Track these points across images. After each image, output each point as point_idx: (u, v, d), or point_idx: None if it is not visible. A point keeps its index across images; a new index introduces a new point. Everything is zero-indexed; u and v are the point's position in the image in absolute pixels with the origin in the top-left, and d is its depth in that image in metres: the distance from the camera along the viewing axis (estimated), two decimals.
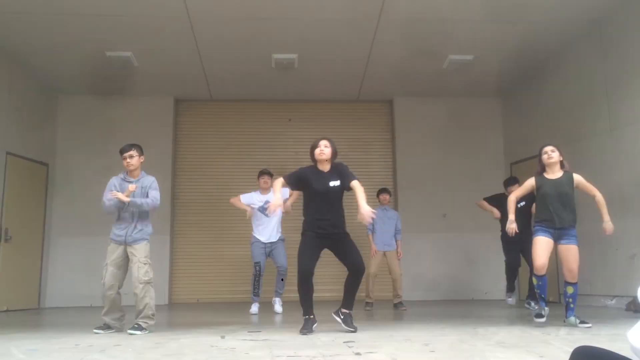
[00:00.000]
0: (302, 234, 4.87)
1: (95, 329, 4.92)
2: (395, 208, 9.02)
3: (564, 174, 5.20)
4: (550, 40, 7.81)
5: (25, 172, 8.52)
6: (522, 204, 7.13)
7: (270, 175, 7.31)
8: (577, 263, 4.99)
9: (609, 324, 5.13)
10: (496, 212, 7.30)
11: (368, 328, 5.06)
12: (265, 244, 7.19)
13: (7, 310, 7.78)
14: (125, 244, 4.98)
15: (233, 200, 7.47)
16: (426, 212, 9.41)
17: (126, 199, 4.91)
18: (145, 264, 4.92)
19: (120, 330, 4.98)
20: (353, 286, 4.84)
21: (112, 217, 5.11)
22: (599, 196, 5.17)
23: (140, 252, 4.95)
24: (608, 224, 5.14)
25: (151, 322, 4.90)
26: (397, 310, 7.27)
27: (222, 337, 4.50)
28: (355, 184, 4.83)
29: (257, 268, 7.11)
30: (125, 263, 5.01)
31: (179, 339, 4.43)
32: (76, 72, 8.73)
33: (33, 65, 8.43)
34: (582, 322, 4.92)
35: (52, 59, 8.26)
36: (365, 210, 4.59)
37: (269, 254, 7.19)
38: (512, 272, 7.44)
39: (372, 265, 7.43)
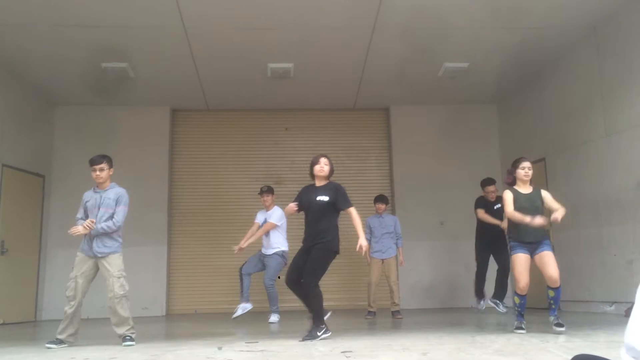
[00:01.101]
0: None
1: (48, 343, 4.78)
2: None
3: (534, 190, 5.35)
4: (546, 47, 7.84)
5: (22, 184, 8.49)
6: (498, 206, 7.30)
7: (270, 192, 7.69)
8: (556, 269, 5.04)
9: (607, 330, 5.11)
10: (503, 223, 7.23)
11: (365, 337, 5.04)
12: (261, 254, 7.63)
13: (3, 324, 7.73)
14: (95, 257, 4.89)
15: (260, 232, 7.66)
16: (423, 220, 9.40)
17: (85, 231, 4.85)
18: (119, 277, 4.84)
19: (72, 344, 4.83)
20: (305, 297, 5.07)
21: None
22: (562, 209, 5.17)
23: (113, 266, 4.85)
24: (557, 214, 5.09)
25: (134, 332, 4.88)
26: (394, 318, 7.24)
27: (219, 348, 4.47)
28: (351, 211, 5.15)
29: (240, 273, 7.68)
30: (93, 275, 4.95)
31: (176, 350, 4.40)
32: (72, 83, 8.74)
33: (29, 77, 8.43)
34: (557, 324, 4.97)
35: (48, 71, 8.26)
36: (364, 243, 5.08)
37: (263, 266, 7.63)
38: (482, 279, 7.78)
39: (372, 274, 7.44)
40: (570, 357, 2.40)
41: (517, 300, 5.21)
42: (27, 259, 8.62)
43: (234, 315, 7.40)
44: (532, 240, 5.13)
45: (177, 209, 9.81)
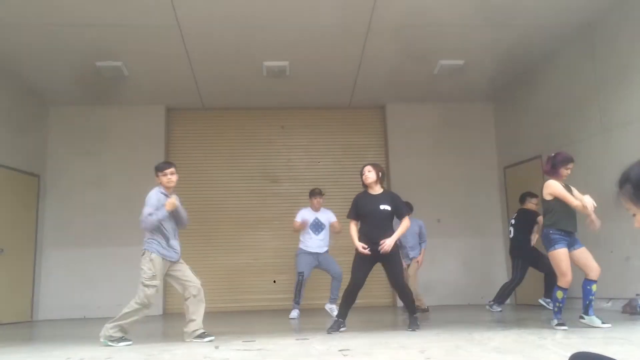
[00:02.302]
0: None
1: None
2: None
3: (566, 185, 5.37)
4: (541, 44, 7.85)
5: (16, 184, 8.45)
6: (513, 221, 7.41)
7: (321, 195, 7.76)
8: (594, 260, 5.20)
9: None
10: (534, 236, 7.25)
11: (363, 335, 5.03)
12: (312, 254, 7.55)
13: None
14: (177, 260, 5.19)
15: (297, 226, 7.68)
16: (420, 218, 9.34)
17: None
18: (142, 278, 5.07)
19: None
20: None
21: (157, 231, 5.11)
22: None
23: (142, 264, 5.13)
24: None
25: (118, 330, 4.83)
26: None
27: (216, 347, 4.45)
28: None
29: (300, 277, 7.48)
30: None
31: (172, 350, 4.38)
32: (67, 82, 8.69)
33: (23, 76, 8.38)
34: (603, 322, 5.03)
35: (42, 69, 8.21)
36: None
37: (317, 265, 7.59)
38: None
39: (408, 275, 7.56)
40: (567, 353, 2.39)
41: (560, 295, 5.13)
42: (23, 258, 8.58)
43: (291, 317, 7.36)
44: (573, 230, 5.23)
45: None
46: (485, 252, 9.52)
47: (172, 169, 5.09)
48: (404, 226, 5.52)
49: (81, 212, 9.05)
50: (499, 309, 7.43)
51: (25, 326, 7.83)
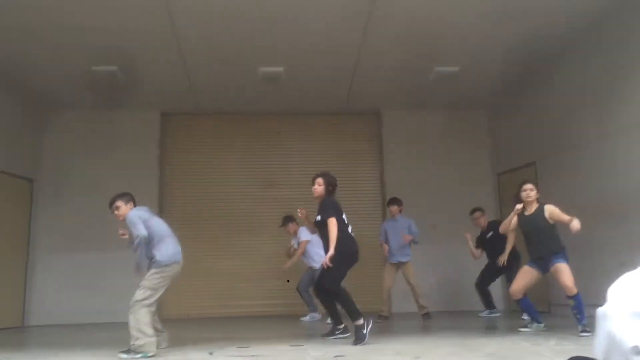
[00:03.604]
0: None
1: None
2: (384, 219, 8.98)
3: (537, 208, 5.57)
4: (536, 51, 7.88)
5: (10, 188, 8.39)
6: (491, 234, 7.54)
7: (292, 221, 8.24)
8: (569, 278, 5.29)
9: None
10: (502, 257, 6.73)
11: None
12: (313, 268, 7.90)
13: None
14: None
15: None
16: (415, 223, 9.39)
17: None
18: (141, 285, 4.81)
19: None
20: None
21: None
22: (575, 219, 5.35)
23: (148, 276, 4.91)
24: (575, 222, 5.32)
25: (139, 342, 4.50)
26: (424, 321, 7.20)
27: (211, 353, 4.43)
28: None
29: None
30: None
31: (167, 355, 4.36)
32: (62, 87, 8.66)
33: (18, 80, 8.34)
34: (584, 330, 5.12)
35: (37, 74, 8.18)
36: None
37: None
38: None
39: (385, 278, 7.49)
40: (562, 359, 2.40)
41: (572, 302, 5.34)
42: (15, 263, 8.52)
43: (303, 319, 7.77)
44: (540, 256, 5.47)
45: (167, 213, 9.72)
46: (480, 258, 9.53)
47: (112, 206, 5.04)
48: (332, 232, 5.22)
49: (75, 217, 9.00)
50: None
51: (16, 332, 7.77)
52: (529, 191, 5.55)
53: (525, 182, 5.69)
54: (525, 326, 5.80)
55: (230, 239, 9.57)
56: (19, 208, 8.71)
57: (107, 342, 4.89)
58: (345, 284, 5.51)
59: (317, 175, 5.53)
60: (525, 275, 5.59)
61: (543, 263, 5.46)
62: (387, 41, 7.48)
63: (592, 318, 5.65)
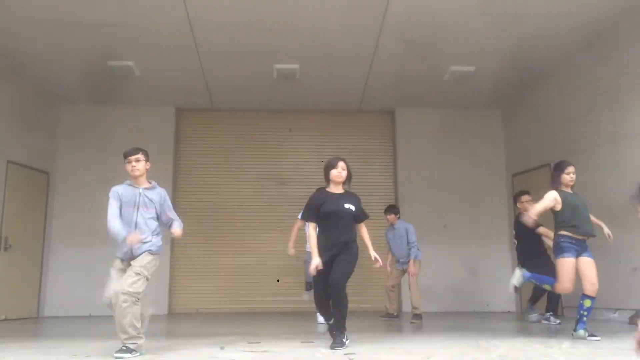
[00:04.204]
0: None
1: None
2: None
3: (576, 194, 5.30)
4: (551, 51, 7.83)
5: (26, 180, 8.51)
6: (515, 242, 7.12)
7: None
8: (596, 276, 5.02)
9: (611, 337, 5.09)
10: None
11: (369, 340, 5.02)
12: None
13: (5, 319, 7.74)
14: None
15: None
16: (427, 223, 9.36)
17: (137, 242, 4.18)
18: (137, 273, 4.17)
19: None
20: (334, 307, 4.65)
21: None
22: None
23: (141, 260, 4.24)
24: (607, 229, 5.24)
25: (140, 342, 4.14)
26: (411, 322, 7.15)
27: (222, 348, 4.46)
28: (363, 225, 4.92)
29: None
30: None
31: (178, 350, 4.40)
32: (77, 81, 8.75)
33: (34, 74, 8.45)
34: (591, 334, 4.90)
35: (53, 68, 8.28)
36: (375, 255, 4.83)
37: None
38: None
39: (388, 279, 7.67)
40: None
41: (588, 303, 5.00)
42: (31, 255, 8.63)
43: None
44: (585, 235, 5.07)
45: (180, 208, 9.79)
46: (492, 259, 9.49)
47: (135, 156, 4.45)
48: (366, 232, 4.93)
49: (89, 210, 9.08)
50: (557, 321, 6.68)
51: (31, 322, 7.88)
52: (573, 174, 5.20)
53: (568, 163, 5.28)
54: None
55: (242, 235, 9.62)
56: (36, 200, 8.82)
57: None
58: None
59: (342, 159, 4.90)
60: (574, 270, 5.04)
61: (580, 247, 5.06)
62: (402, 40, 7.47)
63: (608, 322, 5.59)
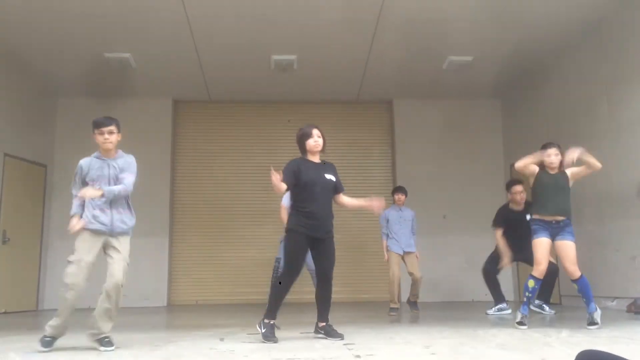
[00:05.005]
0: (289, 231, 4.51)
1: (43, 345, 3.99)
2: None
3: (560, 172, 5.32)
4: (550, 42, 7.80)
5: (24, 174, 8.48)
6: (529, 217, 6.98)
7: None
8: (574, 261, 5.03)
9: (609, 325, 5.10)
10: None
11: (368, 330, 5.03)
12: None
13: (5, 312, 7.75)
14: (110, 234, 4.08)
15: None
16: (426, 214, 9.34)
17: (97, 194, 4.03)
18: (128, 263, 4.10)
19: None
20: (326, 296, 4.50)
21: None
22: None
23: (125, 247, 4.14)
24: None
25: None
26: (411, 310, 7.08)
27: (221, 339, 4.47)
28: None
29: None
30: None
31: (177, 341, 4.40)
32: (74, 73, 8.71)
33: (31, 67, 8.40)
34: (590, 322, 4.90)
35: (50, 60, 8.23)
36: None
37: None
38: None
39: (392, 269, 7.03)
40: (572, 351, 2.39)
41: (531, 284, 5.07)
42: (29, 248, 8.63)
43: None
44: (553, 217, 5.08)
45: (179, 200, 9.80)
46: (491, 249, 9.48)
47: (108, 127, 4.25)
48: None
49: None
50: (553, 311, 6.62)
51: (30, 315, 7.88)
52: (554, 157, 5.23)
53: (550, 145, 5.31)
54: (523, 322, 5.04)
55: (241, 227, 9.62)
56: (34, 193, 8.81)
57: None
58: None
59: (315, 126, 4.80)
60: (548, 248, 5.07)
61: (553, 230, 5.07)
62: (400, 30, 7.43)
63: (606, 310, 5.60)
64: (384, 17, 7.07)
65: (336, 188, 4.63)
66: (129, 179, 4.24)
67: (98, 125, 4.31)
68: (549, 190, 5.19)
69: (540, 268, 5.07)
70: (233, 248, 9.57)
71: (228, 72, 8.81)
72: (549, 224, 5.11)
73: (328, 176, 4.56)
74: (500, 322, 5.78)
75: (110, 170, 4.27)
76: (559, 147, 5.34)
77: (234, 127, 10.03)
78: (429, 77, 9.01)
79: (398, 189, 7.43)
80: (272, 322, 4.37)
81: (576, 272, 5.03)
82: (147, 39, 7.62)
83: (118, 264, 4.05)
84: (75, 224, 4.09)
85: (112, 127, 4.29)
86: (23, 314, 8.02)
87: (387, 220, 7.21)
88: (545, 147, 5.36)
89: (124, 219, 4.22)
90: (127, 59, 8.04)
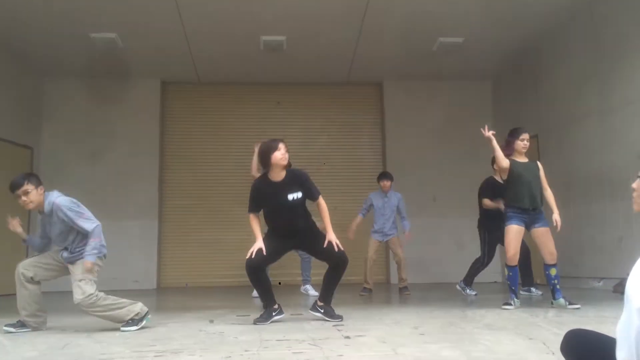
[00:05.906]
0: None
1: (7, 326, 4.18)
2: None
3: (530, 160, 5.37)
4: (541, 23, 7.77)
5: (9, 156, 8.37)
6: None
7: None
8: (553, 245, 5.12)
9: (596, 305, 5.17)
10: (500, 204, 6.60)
11: (357, 311, 5.06)
12: None
13: None
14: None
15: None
16: (416, 196, 9.37)
17: (90, 268, 4.21)
18: (81, 280, 4.21)
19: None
20: (333, 278, 4.51)
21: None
22: (549, 192, 5.27)
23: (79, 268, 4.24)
24: (557, 216, 5.15)
25: (133, 313, 4.15)
26: (402, 294, 7.12)
27: (211, 321, 4.47)
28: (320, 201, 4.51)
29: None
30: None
31: (167, 323, 4.40)
32: (60, 54, 8.56)
33: (17, 47, 8.24)
34: (570, 303, 4.96)
35: (35, 41, 8.08)
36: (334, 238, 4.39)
37: None
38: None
39: (369, 250, 7.13)
40: (560, 331, 2.40)
41: (553, 272, 5.11)
42: (14, 232, 8.52)
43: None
44: (529, 207, 5.10)
45: (167, 182, 9.74)
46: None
47: (22, 189, 4.09)
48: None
49: (75, 185, 8.92)
50: (473, 292, 6.84)
51: (13, 299, 7.82)
52: (527, 142, 5.30)
53: (522, 130, 5.38)
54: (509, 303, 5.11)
55: (230, 209, 9.57)
56: None
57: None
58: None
59: (280, 140, 4.46)
60: (520, 236, 5.11)
61: (529, 218, 5.10)
62: (390, 11, 7.36)
63: (593, 291, 5.67)
64: None
65: (309, 196, 4.46)
66: (85, 225, 4.12)
67: (11, 190, 4.13)
68: (524, 182, 5.16)
69: (508, 255, 5.14)
70: (223, 230, 9.54)
71: (217, 53, 8.70)
72: (525, 212, 5.14)
73: (291, 196, 4.34)
74: (489, 303, 5.84)
75: (52, 227, 4.19)
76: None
77: (223, 109, 9.94)
78: (420, 59, 8.96)
79: (383, 175, 7.36)
80: (272, 308, 4.42)
81: (555, 258, 5.10)
82: (133, 19, 7.49)
83: (74, 288, 4.20)
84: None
85: (25, 187, 4.07)
86: (9, 297, 7.96)
87: (372, 206, 7.24)
88: (516, 132, 5.37)
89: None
90: (113, 38, 7.91)
